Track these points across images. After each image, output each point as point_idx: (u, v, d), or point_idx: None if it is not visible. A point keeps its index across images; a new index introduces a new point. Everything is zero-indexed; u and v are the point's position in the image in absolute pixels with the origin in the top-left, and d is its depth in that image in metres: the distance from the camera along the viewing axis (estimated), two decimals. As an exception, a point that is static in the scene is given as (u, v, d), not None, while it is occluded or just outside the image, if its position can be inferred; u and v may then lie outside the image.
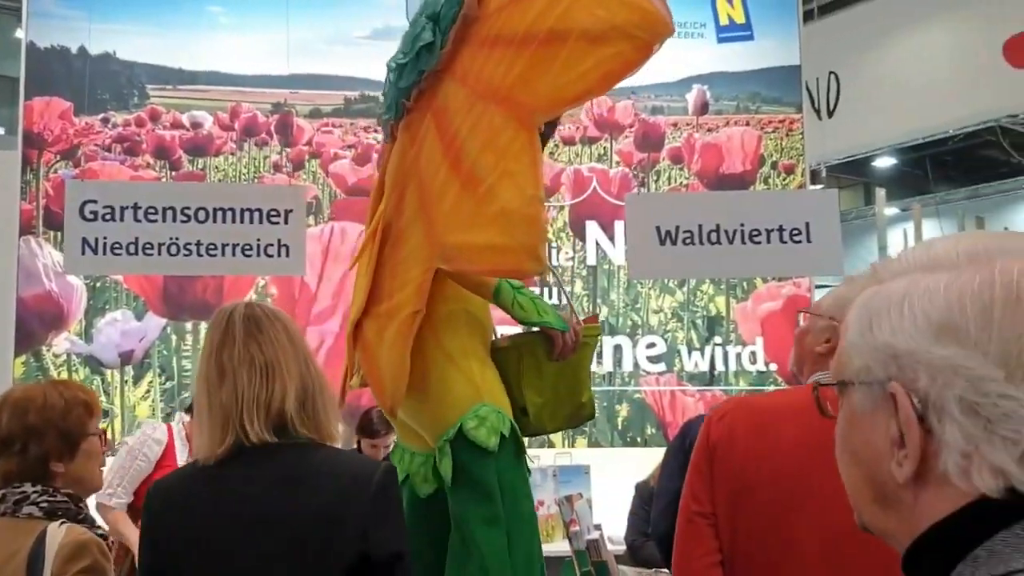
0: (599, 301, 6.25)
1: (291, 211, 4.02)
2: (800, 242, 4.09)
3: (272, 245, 3.96)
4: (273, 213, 3.99)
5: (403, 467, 2.64)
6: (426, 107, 2.62)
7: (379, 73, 6.69)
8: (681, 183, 6.41)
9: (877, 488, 0.78)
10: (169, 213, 3.90)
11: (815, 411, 0.92)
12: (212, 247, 3.92)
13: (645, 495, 4.59)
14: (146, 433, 4.15)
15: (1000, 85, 9.58)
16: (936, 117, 10.53)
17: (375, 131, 6.51)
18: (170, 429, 4.17)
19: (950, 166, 17.32)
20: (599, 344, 6.07)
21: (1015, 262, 0.73)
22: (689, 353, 6.14)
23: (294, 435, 1.76)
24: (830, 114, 10.19)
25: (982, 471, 0.71)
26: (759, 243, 4.14)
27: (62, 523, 1.95)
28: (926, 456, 0.73)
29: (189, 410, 3.97)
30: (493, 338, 2.76)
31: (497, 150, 2.38)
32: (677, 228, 4.15)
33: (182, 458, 3.99)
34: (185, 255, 3.91)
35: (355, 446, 4.71)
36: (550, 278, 3.39)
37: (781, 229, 4.12)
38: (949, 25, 10.22)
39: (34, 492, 1.97)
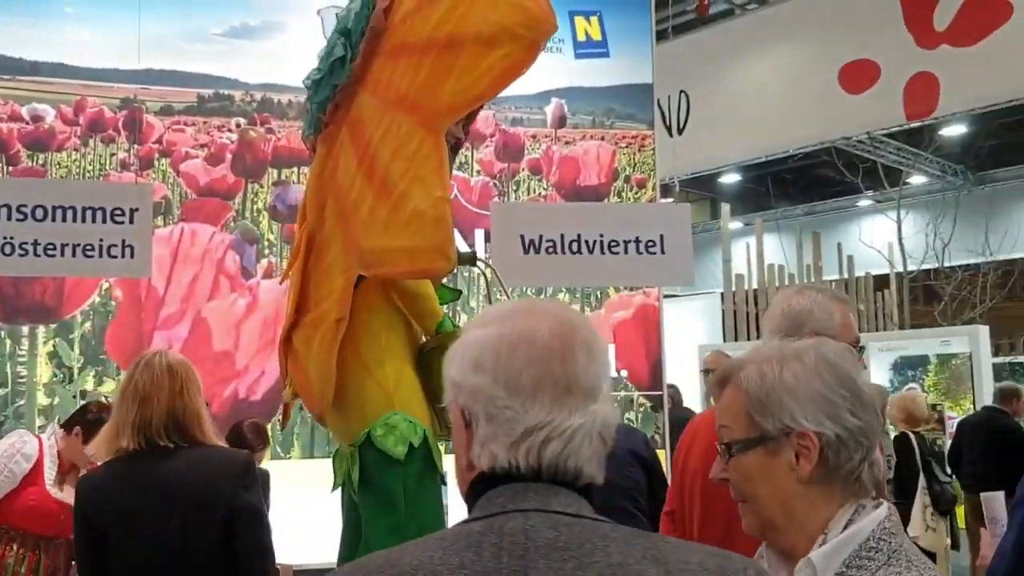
0: (459, 308, 6.27)
1: (136, 210, 3.84)
2: (655, 253, 4.23)
3: (116, 246, 3.77)
4: (117, 212, 3.80)
5: (341, 472, 2.62)
6: (341, 120, 2.66)
7: (235, 71, 6.49)
8: (540, 194, 6.52)
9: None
10: (4, 211, 3.67)
11: None
12: (51, 247, 3.71)
13: None
14: (14, 446, 3.70)
15: (835, 109, 10.20)
16: (777, 137, 11.10)
17: (229, 130, 6.32)
18: (41, 444, 3.75)
19: (790, 184, 18.30)
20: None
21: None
22: (546, 360, 6.25)
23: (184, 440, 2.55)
24: (680, 131, 10.59)
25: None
26: (617, 253, 4.26)
27: None
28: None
29: (65, 426, 3.70)
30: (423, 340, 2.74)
31: (407, 157, 2.41)
32: (540, 237, 4.22)
33: (51, 476, 3.65)
34: (21, 255, 3.68)
35: None
36: (487, 272, 3.31)
37: (637, 240, 4.25)
38: (790, 51, 10.81)
39: None
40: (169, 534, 2.42)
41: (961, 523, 7.10)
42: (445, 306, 2.84)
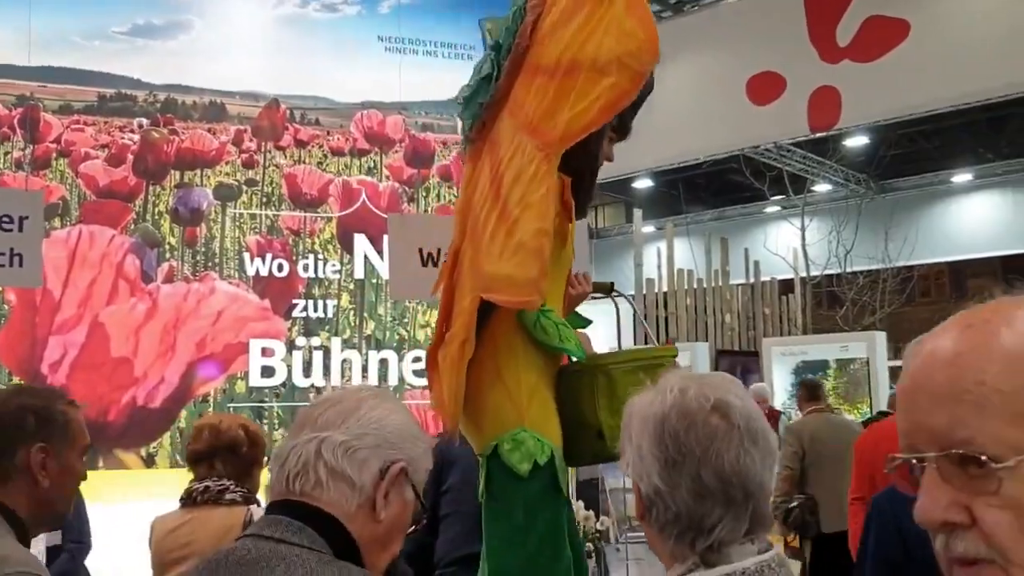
0: (366, 315, 6.25)
1: (27, 218, 3.73)
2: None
3: (3, 254, 3.66)
4: (6, 219, 3.69)
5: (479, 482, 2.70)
6: (485, 138, 2.67)
7: (138, 70, 6.35)
8: (450, 201, 6.53)
9: None
10: None
11: None
12: (-65, 254, 3.59)
13: None
14: None
15: (743, 119, 10.45)
16: (688, 145, 11.31)
17: (131, 131, 6.17)
18: None
19: (701, 189, 18.70)
20: (365, 359, 6.05)
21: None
22: (453, 367, 6.26)
23: None
24: (593, 138, 10.66)
25: None
26: (517, 266, 4.30)
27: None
28: None
29: None
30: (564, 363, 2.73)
31: (524, 182, 2.42)
32: (439, 251, 4.23)
33: None
34: (-99, 263, 3.55)
35: None
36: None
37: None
38: (702, 62, 11.03)
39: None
40: None
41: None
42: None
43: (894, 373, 11.92)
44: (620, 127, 2.78)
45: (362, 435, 1.39)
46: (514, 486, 2.48)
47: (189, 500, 2.85)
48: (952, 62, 7.86)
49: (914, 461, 0.77)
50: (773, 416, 8.94)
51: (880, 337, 10.40)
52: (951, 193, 17.26)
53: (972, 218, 16.91)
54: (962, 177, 17.07)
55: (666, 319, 12.45)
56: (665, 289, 13.19)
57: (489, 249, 2.49)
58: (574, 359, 2.71)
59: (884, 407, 8.39)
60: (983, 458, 0.73)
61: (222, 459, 2.89)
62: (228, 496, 2.82)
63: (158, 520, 2.92)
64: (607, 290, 3.07)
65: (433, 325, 6.30)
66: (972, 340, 0.77)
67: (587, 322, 3.24)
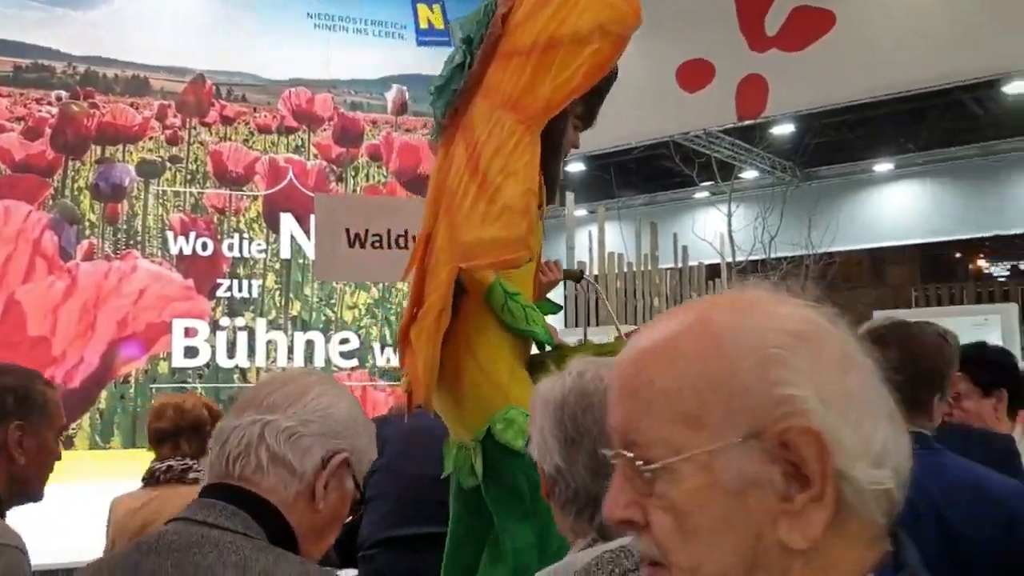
0: (292, 296, 6.18)
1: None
2: (482, 249, 4.30)
3: (-89, 230, 3.54)
4: (-86, 194, 3.57)
5: (450, 460, 2.73)
6: (459, 124, 2.76)
7: (57, 41, 6.17)
8: (379, 181, 6.49)
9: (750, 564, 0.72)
10: None
11: None
12: None
13: None
14: None
15: (673, 106, 10.57)
16: (619, 130, 11.38)
17: (49, 103, 5.99)
18: None
19: (633, 173, 18.86)
20: (291, 340, 5.99)
21: None
22: (382, 349, 6.25)
23: None
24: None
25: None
26: (445, 249, 4.30)
27: None
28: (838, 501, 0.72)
29: None
30: (535, 352, 2.78)
31: (505, 154, 2.49)
32: (366, 232, 4.21)
33: None
34: None
35: None
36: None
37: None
38: (633, 48, 11.06)
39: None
40: None
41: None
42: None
43: (815, 356, 12.23)
44: (586, 115, 2.88)
45: (307, 422, 1.38)
46: (513, 462, 2.52)
47: (152, 479, 2.88)
48: (875, 54, 8.06)
49: (610, 457, 0.76)
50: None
51: (801, 321, 10.66)
52: (873, 182, 17.73)
53: (892, 207, 17.40)
54: (883, 167, 17.54)
55: (596, 302, 12.59)
56: (596, 272, 13.32)
57: (468, 219, 2.54)
58: (546, 348, 2.80)
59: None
60: (637, 460, 0.72)
61: (187, 438, 2.92)
62: (191, 475, 2.84)
63: (119, 499, 2.92)
64: (577, 277, 3.13)
65: (360, 306, 6.29)
66: (656, 338, 0.76)
67: (557, 307, 3.32)
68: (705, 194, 17.77)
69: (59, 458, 2.06)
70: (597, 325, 11.54)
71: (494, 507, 2.62)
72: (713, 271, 14.92)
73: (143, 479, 2.90)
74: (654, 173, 18.64)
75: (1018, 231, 18.35)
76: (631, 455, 0.73)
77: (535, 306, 2.74)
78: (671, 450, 0.71)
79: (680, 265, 14.43)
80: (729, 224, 15.20)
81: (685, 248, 14.61)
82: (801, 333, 0.73)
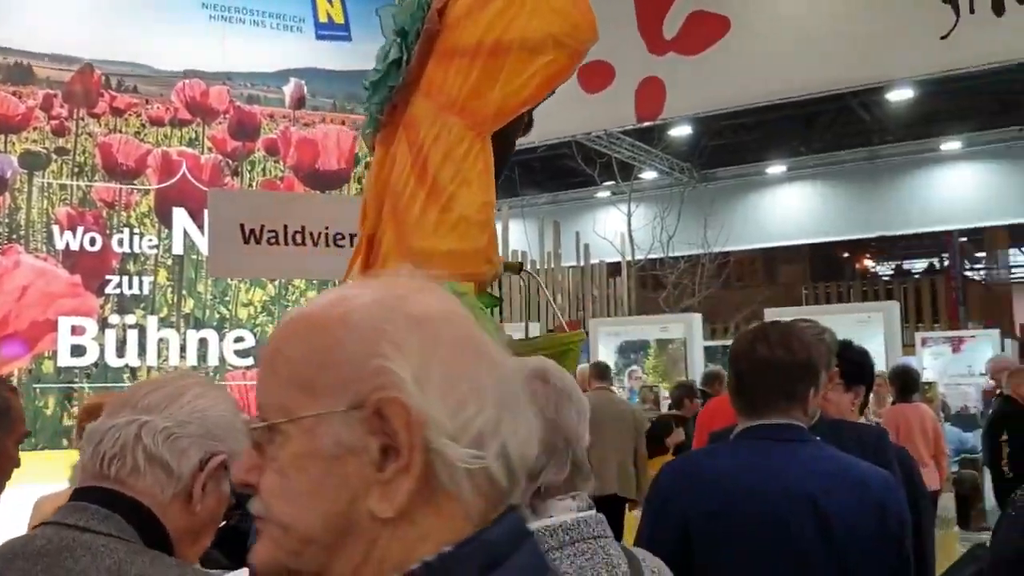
0: (185, 293, 6.03)
1: None
2: (381, 246, 4.28)
3: None
4: None
5: None
6: (398, 120, 2.72)
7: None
8: (276, 176, 6.38)
9: (339, 529, 0.74)
10: None
11: None
12: None
13: None
14: None
15: (575, 106, 10.69)
16: (522, 128, 11.50)
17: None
18: None
19: (537, 172, 19.01)
20: (183, 338, 5.84)
21: None
22: (278, 347, 6.13)
23: None
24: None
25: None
26: (343, 247, 4.26)
27: None
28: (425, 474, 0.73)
29: None
30: None
31: (456, 160, 2.44)
32: (262, 227, 4.14)
33: None
34: None
35: None
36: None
37: (363, 234, 4.27)
38: (534, 46, 11.20)
39: None
40: None
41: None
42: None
43: (709, 352, 12.59)
44: (531, 121, 2.87)
45: (185, 423, 1.36)
46: None
47: None
48: (768, 60, 8.33)
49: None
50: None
51: (696, 319, 10.94)
52: (766, 184, 18.31)
53: (784, 208, 18.01)
54: (776, 169, 18.14)
55: (500, 299, 12.66)
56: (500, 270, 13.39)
57: (419, 226, 2.54)
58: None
59: (700, 384, 8.85)
60: (253, 422, 0.77)
61: None
62: None
63: (44, 499, 2.87)
64: (516, 269, 3.14)
65: (256, 304, 6.17)
66: (303, 312, 0.80)
67: (496, 300, 3.33)
68: (606, 194, 18.06)
69: (18, 465, 2.02)
70: (538, 320, 11.62)
71: None
72: (614, 269, 15.18)
73: (71, 479, 2.83)
74: (557, 172, 18.83)
75: (902, 232, 19.22)
76: (254, 418, 0.78)
77: (481, 305, 2.72)
78: (283, 414, 0.75)
79: (582, 263, 14.63)
80: (629, 223, 15.49)
81: (587, 246, 14.82)
82: (420, 318, 0.77)
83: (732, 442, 2.13)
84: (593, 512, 1.40)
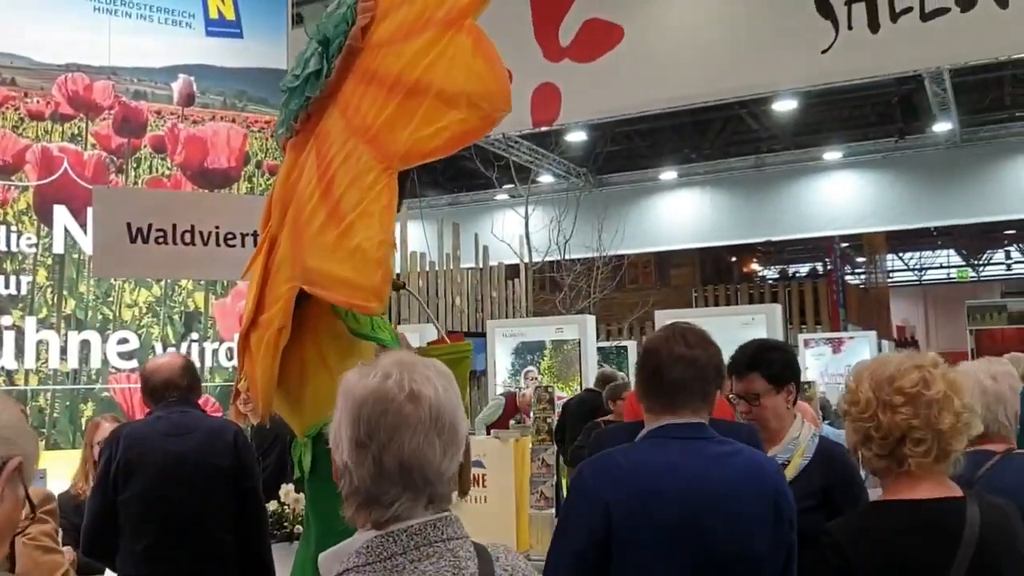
0: (66, 293, 5.82)
1: None
2: (272, 247, 4.23)
3: None
4: None
5: (299, 462, 2.76)
6: (311, 131, 2.74)
7: None
8: (163, 173, 6.21)
9: None
10: None
11: None
12: None
13: None
14: None
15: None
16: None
17: None
18: None
19: (437, 174, 19.00)
20: (64, 340, 5.64)
21: None
22: (165, 349, 5.98)
23: None
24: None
25: None
26: (234, 246, 4.21)
27: None
28: None
29: None
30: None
31: (361, 188, 2.41)
32: (149, 226, 4.06)
33: None
34: None
35: None
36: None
37: (256, 234, 4.22)
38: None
39: None
40: None
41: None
42: None
43: (603, 353, 12.83)
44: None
45: None
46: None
47: None
48: (660, 69, 8.56)
49: None
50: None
51: (590, 320, 11.13)
52: (658, 189, 18.77)
53: (675, 213, 18.49)
54: (668, 175, 18.61)
55: (398, 299, 12.60)
56: (399, 271, 13.34)
57: (315, 244, 2.53)
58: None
59: (592, 385, 9.02)
60: None
61: None
62: None
63: None
64: (398, 288, 3.16)
65: (141, 305, 6.01)
66: None
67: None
68: (505, 196, 18.19)
69: None
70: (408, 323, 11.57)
71: (311, 497, 2.73)
72: (512, 271, 15.31)
73: None
74: (457, 174, 18.87)
75: (787, 237, 19.97)
76: None
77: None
78: None
79: (481, 265, 14.70)
80: (527, 226, 15.64)
81: (486, 248, 14.90)
82: None
83: (650, 440, 2.18)
84: (447, 514, 1.41)
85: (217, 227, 4.15)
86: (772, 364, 2.92)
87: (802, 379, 3.68)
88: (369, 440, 1.36)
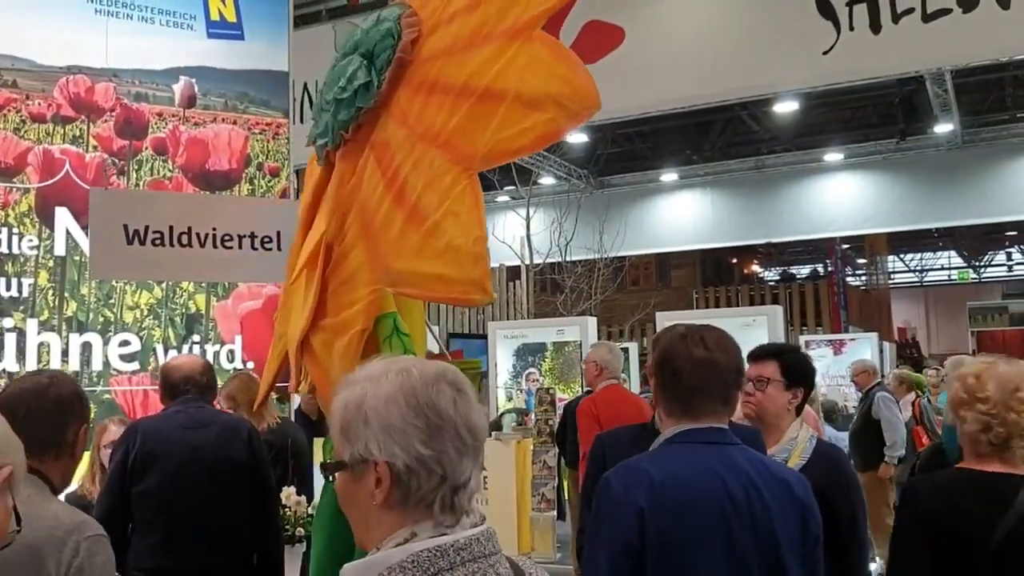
0: (67, 295, 5.82)
1: None
2: (271, 250, 4.23)
3: None
4: None
5: (324, 455, 2.87)
6: (364, 140, 2.85)
7: None
8: (165, 175, 6.21)
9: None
10: None
11: None
12: None
13: None
14: None
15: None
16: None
17: None
18: None
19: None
20: (66, 342, 5.65)
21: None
22: (166, 351, 5.98)
23: None
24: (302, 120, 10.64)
25: None
26: (231, 248, 4.20)
27: None
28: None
29: None
30: None
31: (441, 190, 2.52)
32: (146, 228, 4.04)
33: None
34: None
35: None
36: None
37: (253, 236, 4.22)
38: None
39: None
40: None
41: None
42: None
43: (606, 356, 12.80)
44: None
45: None
46: None
47: None
48: (661, 71, 8.54)
49: None
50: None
51: (591, 322, 11.11)
52: (659, 191, 18.73)
53: (676, 214, 18.45)
54: (669, 176, 18.58)
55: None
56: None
57: (399, 247, 2.63)
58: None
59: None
60: None
61: None
62: None
63: None
64: None
65: (143, 307, 6.00)
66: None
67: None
68: (506, 198, 18.18)
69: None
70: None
71: (330, 492, 2.77)
72: (514, 273, 15.30)
73: None
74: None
75: (788, 239, 19.94)
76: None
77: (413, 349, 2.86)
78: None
79: (481, 267, 14.67)
80: (528, 228, 15.63)
81: (487, 250, 14.89)
82: None
83: (677, 446, 2.13)
84: (485, 528, 1.35)
85: (214, 229, 4.14)
86: (792, 360, 2.97)
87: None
88: (442, 420, 1.31)
